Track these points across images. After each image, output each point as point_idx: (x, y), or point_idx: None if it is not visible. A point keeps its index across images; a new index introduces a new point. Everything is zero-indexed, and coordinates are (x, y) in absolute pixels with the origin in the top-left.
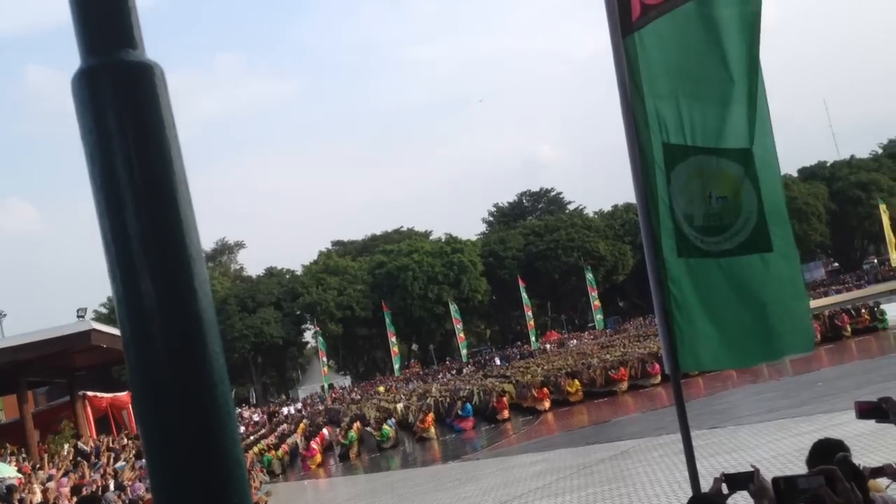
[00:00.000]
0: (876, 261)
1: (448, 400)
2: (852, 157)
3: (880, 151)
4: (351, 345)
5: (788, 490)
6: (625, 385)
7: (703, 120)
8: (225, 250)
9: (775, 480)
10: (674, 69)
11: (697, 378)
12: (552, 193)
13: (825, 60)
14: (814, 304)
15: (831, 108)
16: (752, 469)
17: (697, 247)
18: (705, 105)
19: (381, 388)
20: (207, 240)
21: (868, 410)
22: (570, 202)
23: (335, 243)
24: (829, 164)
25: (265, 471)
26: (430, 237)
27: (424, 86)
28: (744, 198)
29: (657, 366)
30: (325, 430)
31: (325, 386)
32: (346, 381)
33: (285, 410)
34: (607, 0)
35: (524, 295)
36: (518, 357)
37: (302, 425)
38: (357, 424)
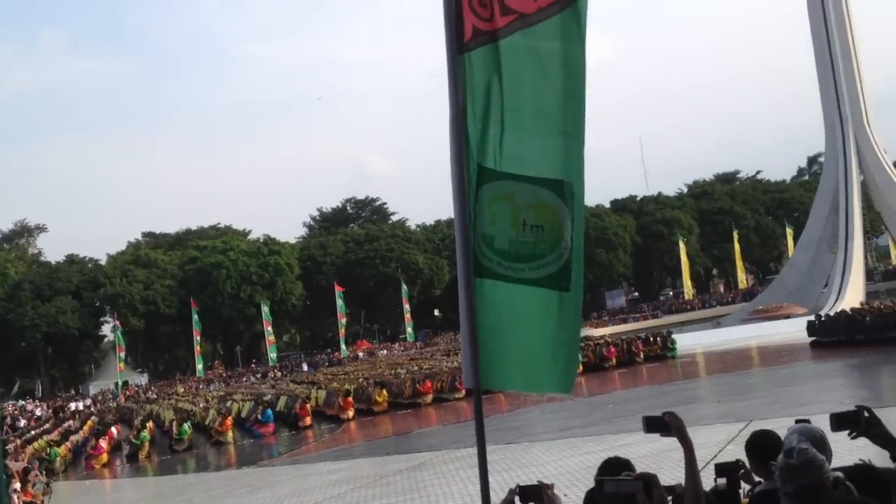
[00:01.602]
0: (672, 293)
1: (250, 404)
2: (660, 193)
3: (685, 191)
4: (152, 341)
5: (605, 494)
6: (429, 397)
7: (521, 147)
8: (24, 232)
9: (599, 481)
10: (496, 95)
11: (500, 394)
12: (377, 203)
13: (645, 101)
14: (613, 329)
15: (646, 147)
16: (541, 483)
17: (493, 269)
18: (525, 133)
19: (180, 389)
20: (3, 220)
21: (654, 424)
22: (394, 213)
23: (146, 235)
24: (638, 199)
25: (43, 470)
26: (249, 236)
27: (260, 83)
28: (562, 231)
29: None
30: (114, 429)
31: (119, 383)
32: (144, 380)
33: (73, 406)
34: (446, 17)
35: (340, 302)
36: (327, 364)
37: (90, 423)
38: (150, 424)
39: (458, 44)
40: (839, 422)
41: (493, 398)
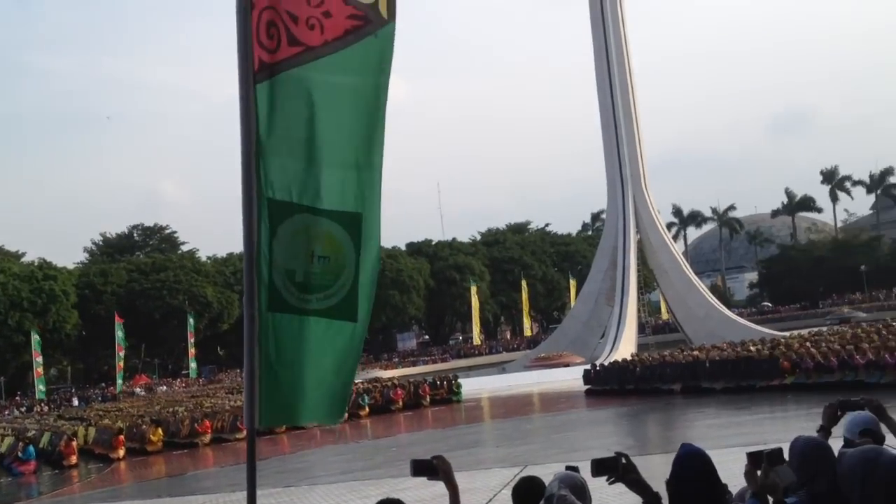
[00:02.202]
0: (461, 337)
1: (11, 440)
2: (454, 239)
3: (478, 238)
4: None
5: None
6: (208, 437)
7: (311, 180)
8: None
9: None
10: (286, 127)
11: (283, 434)
12: (167, 231)
13: (444, 148)
14: (402, 372)
15: (444, 193)
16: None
17: (288, 302)
18: (316, 166)
19: None
20: None
21: (421, 468)
22: (184, 243)
23: None
24: (434, 243)
25: None
26: (22, 259)
27: (44, 96)
28: (345, 262)
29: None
30: None
31: None
32: None
33: None
34: (239, 46)
35: (119, 333)
36: (100, 399)
37: None
38: None
39: (251, 74)
40: (599, 468)
41: (277, 439)
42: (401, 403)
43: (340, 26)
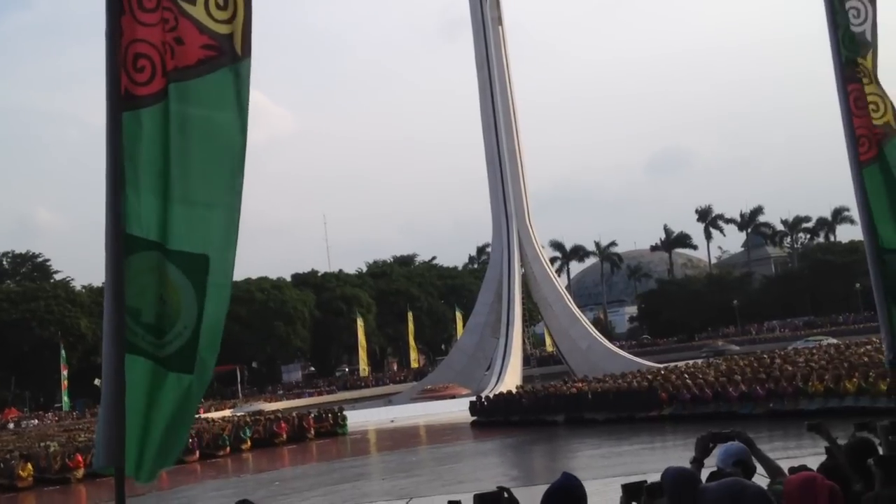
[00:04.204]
0: (348, 369)
1: None
2: (341, 271)
3: (365, 270)
4: None
5: None
6: (81, 472)
7: (162, 216)
8: None
9: None
10: (145, 159)
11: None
12: (39, 259)
13: (332, 179)
14: (287, 404)
15: (331, 224)
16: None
17: (132, 342)
18: (167, 202)
19: None
20: None
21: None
22: (57, 272)
23: None
24: (320, 274)
25: None
26: None
27: None
28: (180, 309)
29: None
30: None
31: None
32: None
33: None
34: (107, 73)
35: None
36: None
37: None
38: None
39: (118, 104)
40: (482, 502)
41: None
42: (285, 436)
43: (193, 55)
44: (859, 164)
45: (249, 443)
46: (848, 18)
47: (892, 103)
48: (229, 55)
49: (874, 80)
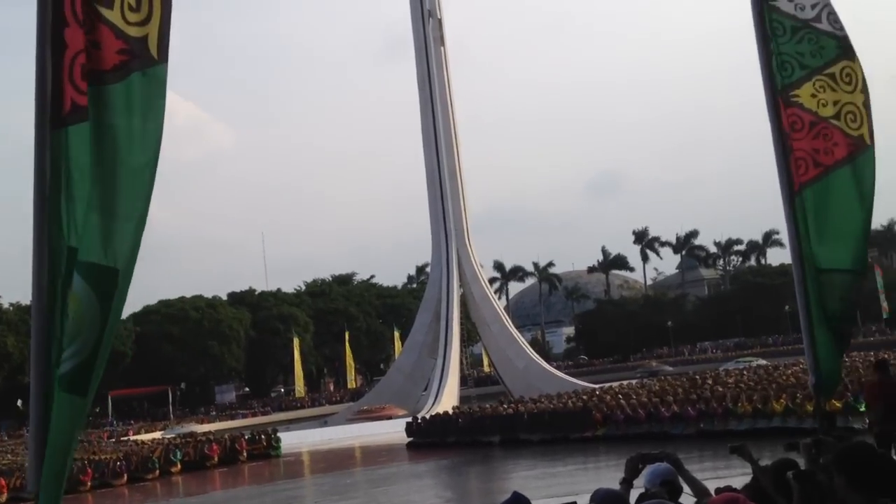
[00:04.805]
0: (283, 390)
1: None
2: (279, 289)
3: (303, 288)
4: None
5: None
6: (3, 496)
7: (92, 229)
8: None
9: None
10: (83, 174)
11: (89, 493)
12: None
13: (270, 196)
14: (220, 426)
15: (268, 242)
16: None
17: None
18: (87, 214)
19: None
20: None
21: None
22: None
23: None
24: (257, 293)
25: None
26: None
27: None
28: (82, 326)
29: None
30: None
31: None
32: None
33: None
34: (37, 87)
35: None
36: None
37: None
38: None
39: (56, 118)
40: None
41: (81, 497)
42: (216, 459)
43: (108, 60)
44: (795, 186)
45: (180, 465)
46: (782, 45)
47: (869, 117)
48: (143, 58)
49: (859, 88)
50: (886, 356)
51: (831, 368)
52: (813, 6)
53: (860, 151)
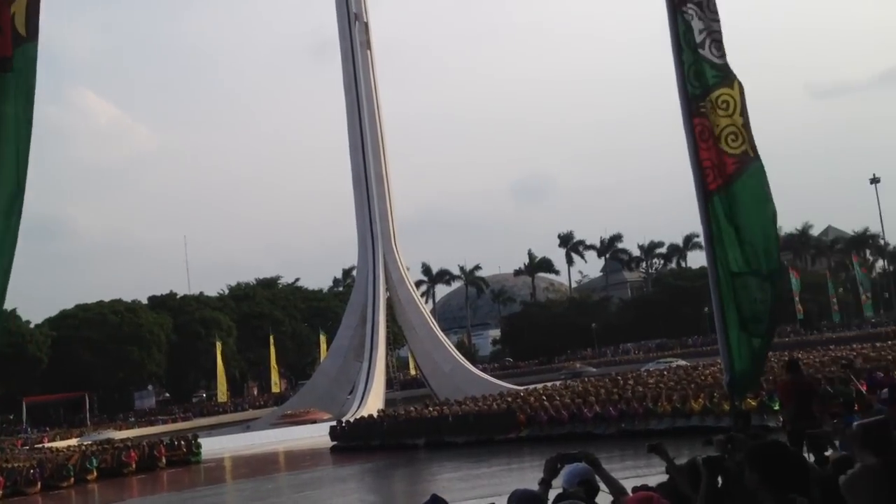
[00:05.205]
0: (205, 395)
1: None
2: (201, 293)
3: (226, 292)
4: None
5: None
6: None
7: None
8: None
9: None
10: None
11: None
12: None
13: (192, 198)
14: (139, 432)
15: (191, 245)
16: None
17: None
18: None
19: None
20: None
21: None
22: None
23: None
24: (179, 297)
25: None
26: None
27: None
28: None
29: None
30: None
31: None
32: None
33: None
34: None
35: None
36: None
37: None
38: None
39: None
40: None
41: None
42: (134, 466)
43: None
44: (707, 193)
45: (96, 473)
46: (693, 56)
47: (749, 134)
48: (10, 37)
49: (738, 111)
50: (799, 356)
51: (745, 369)
52: (700, 31)
53: (748, 164)
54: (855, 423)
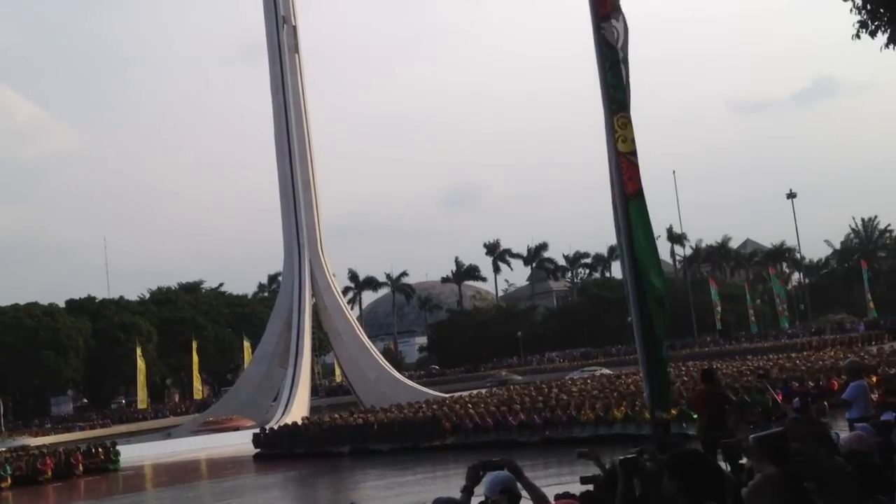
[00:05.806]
0: (125, 401)
1: None
2: (121, 297)
3: (147, 297)
4: None
5: None
6: None
7: None
8: None
9: None
10: None
11: None
12: None
13: (114, 199)
14: (55, 439)
15: (111, 247)
16: None
17: None
18: None
19: None
20: None
21: None
22: None
23: None
24: (98, 301)
25: None
26: None
27: None
28: None
29: None
30: None
31: None
32: None
33: None
34: None
35: None
36: None
37: None
38: None
39: None
40: None
41: None
42: (50, 474)
43: None
44: (625, 198)
45: (10, 480)
46: (618, 72)
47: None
48: None
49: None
50: (716, 366)
51: (664, 379)
52: (619, 48)
53: (639, 188)
54: (751, 437)
